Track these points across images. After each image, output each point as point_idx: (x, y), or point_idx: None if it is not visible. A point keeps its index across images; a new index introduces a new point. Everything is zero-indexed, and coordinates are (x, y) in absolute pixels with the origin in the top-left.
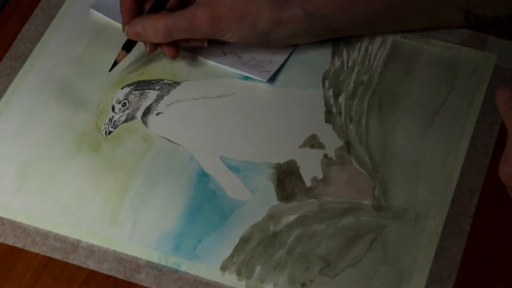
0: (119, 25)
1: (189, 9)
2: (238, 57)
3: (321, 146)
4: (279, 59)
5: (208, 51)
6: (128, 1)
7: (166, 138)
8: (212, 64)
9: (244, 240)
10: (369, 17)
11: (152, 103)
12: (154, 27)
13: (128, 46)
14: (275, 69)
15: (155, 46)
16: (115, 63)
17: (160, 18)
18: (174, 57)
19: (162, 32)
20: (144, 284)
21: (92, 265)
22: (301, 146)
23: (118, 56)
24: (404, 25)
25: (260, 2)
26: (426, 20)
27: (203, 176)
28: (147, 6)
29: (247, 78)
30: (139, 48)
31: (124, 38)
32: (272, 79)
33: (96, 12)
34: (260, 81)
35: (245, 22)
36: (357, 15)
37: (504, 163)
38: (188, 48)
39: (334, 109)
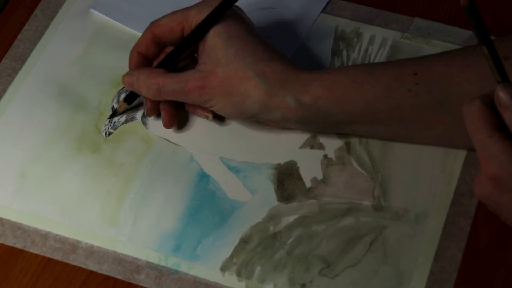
0: (119, 25)
1: (184, 73)
2: None
3: (321, 146)
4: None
5: None
6: (135, 56)
7: (166, 139)
8: None
9: (244, 241)
10: (369, 116)
11: None
12: (146, 82)
13: (129, 98)
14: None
15: (153, 109)
16: (114, 112)
17: (155, 75)
18: (168, 124)
19: (153, 89)
20: (144, 285)
21: (92, 265)
22: (301, 147)
23: (119, 106)
24: (408, 132)
25: (251, 82)
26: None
27: (203, 177)
28: (155, 63)
29: None
30: None
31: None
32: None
33: (96, 13)
34: None
35: (232, 99)
36: (356, 112)
37: (477, 185)
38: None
39: None
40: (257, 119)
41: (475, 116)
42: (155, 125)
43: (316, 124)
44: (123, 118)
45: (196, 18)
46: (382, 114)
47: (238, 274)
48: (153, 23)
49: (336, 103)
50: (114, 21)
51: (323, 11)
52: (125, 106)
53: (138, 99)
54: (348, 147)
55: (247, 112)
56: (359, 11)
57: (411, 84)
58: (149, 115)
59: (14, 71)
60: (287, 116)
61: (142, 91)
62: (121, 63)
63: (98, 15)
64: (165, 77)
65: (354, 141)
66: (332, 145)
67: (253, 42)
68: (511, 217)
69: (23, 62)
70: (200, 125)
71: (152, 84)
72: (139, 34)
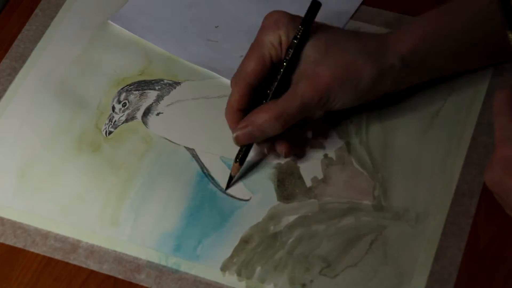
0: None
1: (291, 90)
2: None
3: (321, 146)
4: None
5: (225, 69)
6: (238, 115)
7: (166, 138)
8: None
9: (245, 241)
10: (464, 52)
11: (152, 103)
12: (267, 120)
13: (242, 158)
14: None
15: (271, 147)
16: (231, 178)
17: (269, 109)
18: (289, 154)
19: (278, 121)
20: (145, 285)
21: (92, 265)
22: (301, 147)
23: (232, 170)
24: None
25: (357, 62)
26: None
27: (203, 176)
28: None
29: None
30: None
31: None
32: None
33: (115, 25)
34: None
35: (346, 86)
36: (450, 53)
37: (488, 169)
38: None
39: None
40: (371, 97)
41: (503, 99)
42: (156, 125)
43: (418, 76)
44: (123, 117)
45: (280, 42)
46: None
47: (239, 274)
48: (240, 77)
49: (432, 47)
50: (134, 35)
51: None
52: (238, 167)
53: None
54: (348, 147)
55: (363, 91)
56: (359, 10)
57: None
58: (269, 153)
59: (15, 71)
60: (397, 77)
61: (266, 131)
62: (121, 62)
63: (117, 28)
64: (278, 103)
65: (355, 141)
66: (332, 144)
67: (338, 34)
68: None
69: (24, 61)
70: (200, 124)
71: (275, 117)
72: (156, 47)
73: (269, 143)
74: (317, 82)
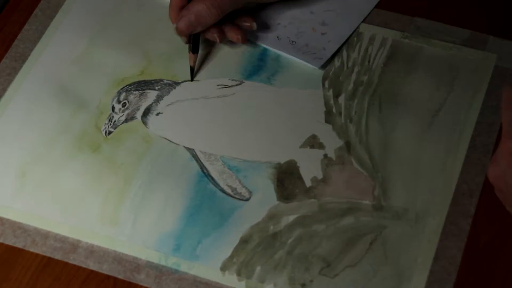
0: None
1: None
2: (292, 42)
3: (321, 146)
4: (332, 46)
5: (262, 36)
6: (176, 9)
7: (166, 138)
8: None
9: (244, 241)
10: None
11: (152, 103)
12: (203, 9)
13: (194, 47)
14: (328, 57)
15: (221, 34)
16: (192, 70)
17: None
18: (244, 39)
19: (214, 8)
20: (144, 284)
21: (92, 265)
22: (301, 146)
23: (190, 60)
24: None
25: None
26: None
27: (203, 176)
28: None
29: (248, 76)
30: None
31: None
32: (323, 66)
33: None
34: (261, 82)
35: None
36: None
37: (492, 163)
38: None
39: (334, 109)
40: None
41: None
42: (155, 125)
43: None
44: (123, 117)
45: None
46: None
47: (238, 273)
48: None
49: None
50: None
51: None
52: (195, 56)
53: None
54: (348, 146)
55: None
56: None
57: None
58: (221, 41)
59: (14, 71)
60: None
61: (204, 20)
62: (121, 62)
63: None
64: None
65: (354, 140)
66: (332, 144)
67: None
68: None
69: (23, 61)
70: (200, 124)
71: (211, 4)
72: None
73: (218, 31)
74: None
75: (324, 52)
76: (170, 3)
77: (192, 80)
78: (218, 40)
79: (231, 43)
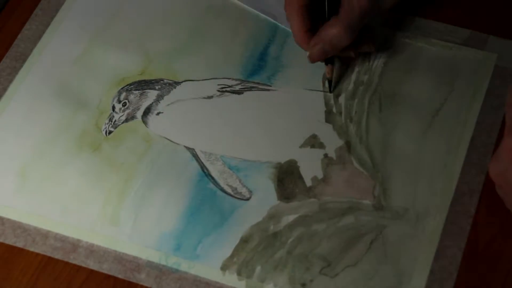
0: (119, 25)
1: (346, 2)
2: None
3: (321, 145)
4: None
5: (280, 14)
6: (306, 35)
7: (166, 138)
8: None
9: (245, 240)
10: None
11: (153, 102)
12: (336, 35)
13: (330, 59)
14: None
15: (356, 51)
16: (330, 82)
17: (335, 24)
18: (374, 48)
19: (346, 33)
20: (144, 284)
21: (92, 264)
22: (302, 146)
23: (327, 73)
24: None
25: None
26: None
27: (203, 176)
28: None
29: (249, 76)
30: None
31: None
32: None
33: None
34: (261, 82)
35: None
36: None
37: (493, 160)
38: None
39: (334, 109)
40: None
41: None
42: (156, 124)
43: None
44: (123, 116)
45: None
46: None
47: (239, 273)
48: (292, 2)
49: None
50: None
51: None
52: (331, 67)
53: None
54: (348, 146)
55: None
56: None
57: None
58: (357, 56)
59: (15, 70)
60: None
61: (337, 45)
62: (122, 62)
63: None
64: (342, 18)
65: (355, 140)
66: (332, 144)
67: None
68: None
69: (24, 61)
70: (200, 124)
71: (344, 29)
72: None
73: (353, 48)
74: None
75: None
76: (292, 29)
77: (331, 92)
78: (353, 56)
79: (232, 42)
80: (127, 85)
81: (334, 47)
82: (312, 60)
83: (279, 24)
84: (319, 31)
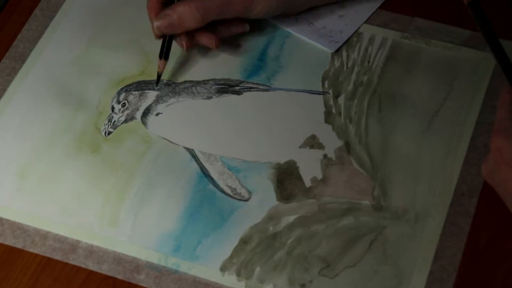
0: (119, 25)
1: None
2: (310, 24)
3: (320, 146)
4: (349, 29)
5: (281, 17)
6: (157, 5)
7: (165, 139)
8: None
9: (244, 241)
10: None
11: (152, 103)
12: (187, 11)
13: (166, 53)
14: (344, 40)
15: (190, 41)
16: (159, 77)
17: (191, 1)
18: (218, 44)
19: (198, 13)
20: (144, 285)
21: (91, 265)
22: (301, 146)
23: (159, 67)
24: None
25: None
26: None
27: (203, 176)
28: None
29: (248, 77)
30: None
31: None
32: (337, 51)
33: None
34: (261, 82)
35: None
36: None
37: (485, 161)
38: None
39: (333, 110)
40: (295, 6)
41: (507, 94)
42: (155, 125)
43: None
44: (123, 117)
45: None
46: None
47: (238, 274)
48: None
49: None
50: None
51: None
52: (164, 63)
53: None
54: (347, 147)
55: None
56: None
57: None
58: (188, 49)
59: (14, 71)
60: None
61: (186, 22)
62: (121, 62)
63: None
64: (199, 5)
65: (354, 141)
66: (331, 144)
67: None
68: (506, 195)
69: (23, 62)
70: (200, 124)
71: (194, 8)
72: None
73: (188, 37)
74: None
75: (341, 35)
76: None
77: (156, 86)
78: (184, 47)
79: (231, 42)
80: (127, 85)
81: (182, 23)
82: (159, 31)
83: (279, 25)
84: (172, 5)
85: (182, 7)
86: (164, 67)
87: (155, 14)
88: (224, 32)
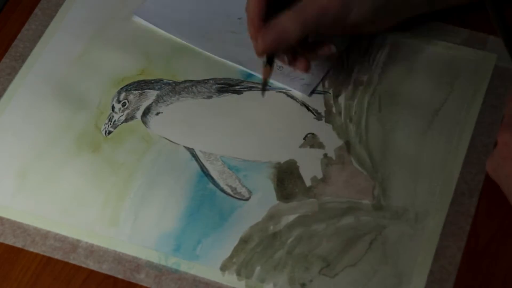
0: (119, 25)
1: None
2: (279, 67)
3: (321, 145)
4: (320, 71)
5: (249, 60)
6: (253, 19)
7: (166, 138)
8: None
9: (244, 240)
10: None
11: (152, 103)
12: (289, 25)
13: (270, 59)
14: (317, 82)
15: (293, 58)
16: (265, 83)
17: (290, 14)
18: (307, 69)
19: (299, 26)
20: (144, 284)
21: (92, 265)
22: (301, 146)
23: (264, 74)
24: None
25: None
26: None
27: (203, 176)
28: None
29: (248, 76)
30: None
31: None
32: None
33: (139, 19)
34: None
35: None
36: None
37: (490, 157)
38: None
39: (334, 109)
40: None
41: None
42: (155, 124)
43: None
44: (123, 117)
45: None
46: None
47: (238, 273)
48: None
49: None
50: (159, 29)
51: None
52: (269, 69)
53: None
54: (348, 146)
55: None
56: None
57: None
58: (292, 64)
59: (14, 70)
60: None
61: (289, 37)
62: (121, 62)
63: (142, 23)
64: (298, 10)
65: (354, 140)
66: (332, 144)
67: None
68: (510, 190)
69: (23, 61)
70: (200, 124)
71: (297, 21)
72: (182, 41)
73: (291, 54)
74: None
75: (312, 77)
76: (248, 13)
77: (263, 92)
78: (287, 62)
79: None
80: (127, 85)
81: (285, 37)
82: (262, 49)
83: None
84: (273, 20)
85: (285, 22)
86: (269, 74)
87: (258, 31)
88: (312, 57)
